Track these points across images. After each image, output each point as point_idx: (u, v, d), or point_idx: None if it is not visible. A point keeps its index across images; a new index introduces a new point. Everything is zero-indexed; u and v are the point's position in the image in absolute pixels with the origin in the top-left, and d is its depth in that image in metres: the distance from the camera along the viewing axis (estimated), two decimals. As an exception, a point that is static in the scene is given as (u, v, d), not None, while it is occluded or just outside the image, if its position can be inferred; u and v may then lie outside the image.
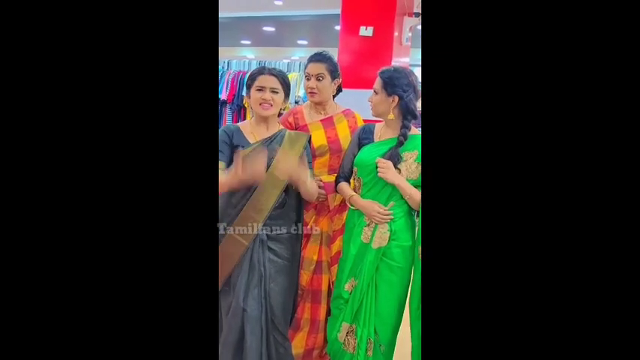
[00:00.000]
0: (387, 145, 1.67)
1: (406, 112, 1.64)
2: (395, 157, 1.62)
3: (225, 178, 1.50)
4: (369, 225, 1.68)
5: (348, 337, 1.71)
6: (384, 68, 1.69)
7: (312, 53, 1.96)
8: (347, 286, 1.70)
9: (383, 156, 1.64)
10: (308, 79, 1.92)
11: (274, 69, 1.68)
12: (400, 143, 1.64)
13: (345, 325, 1.71)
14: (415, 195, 1.61)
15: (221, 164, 1.57)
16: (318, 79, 1.89)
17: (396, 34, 3.27)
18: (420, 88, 1.66)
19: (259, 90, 1.63)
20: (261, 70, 1.66)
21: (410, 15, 3.70)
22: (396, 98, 1.63)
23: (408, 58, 4.03)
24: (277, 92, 1.64)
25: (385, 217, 1.64)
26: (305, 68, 1.95)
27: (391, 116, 1.66)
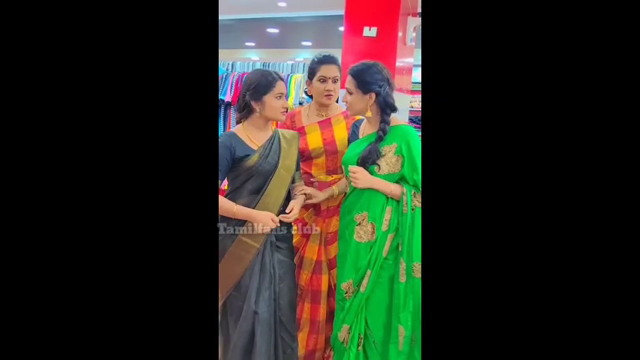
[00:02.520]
0: (367, 141, 1.65)
1: (385, 107, 1.60)
2: (374, 154, 1.58)
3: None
4: (360, 224, 1.64)
5: (347, 334, 1.71)
6: (354, 66, 1.64)
7: (321, 54, 1.90)
8: (344, 286, 1.68)
9: (361, 153, 1.61)
10: (323, 82, 1.86)
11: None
12: (379, 138, 1.60)
13: (345, 327, 1.70)
14: (395, 190, 1.58)
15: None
16: (334, 81, 1.87)
17: (400, 34, 3.26)
18: (392, 80, 1.63)
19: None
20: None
21: (414, 15, 3.69)
22: (373, 95, 1.59)
23: (412, 58, 4.01)
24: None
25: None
26: (315, 70, 1.88)
27: (369, 113, 1.63)
